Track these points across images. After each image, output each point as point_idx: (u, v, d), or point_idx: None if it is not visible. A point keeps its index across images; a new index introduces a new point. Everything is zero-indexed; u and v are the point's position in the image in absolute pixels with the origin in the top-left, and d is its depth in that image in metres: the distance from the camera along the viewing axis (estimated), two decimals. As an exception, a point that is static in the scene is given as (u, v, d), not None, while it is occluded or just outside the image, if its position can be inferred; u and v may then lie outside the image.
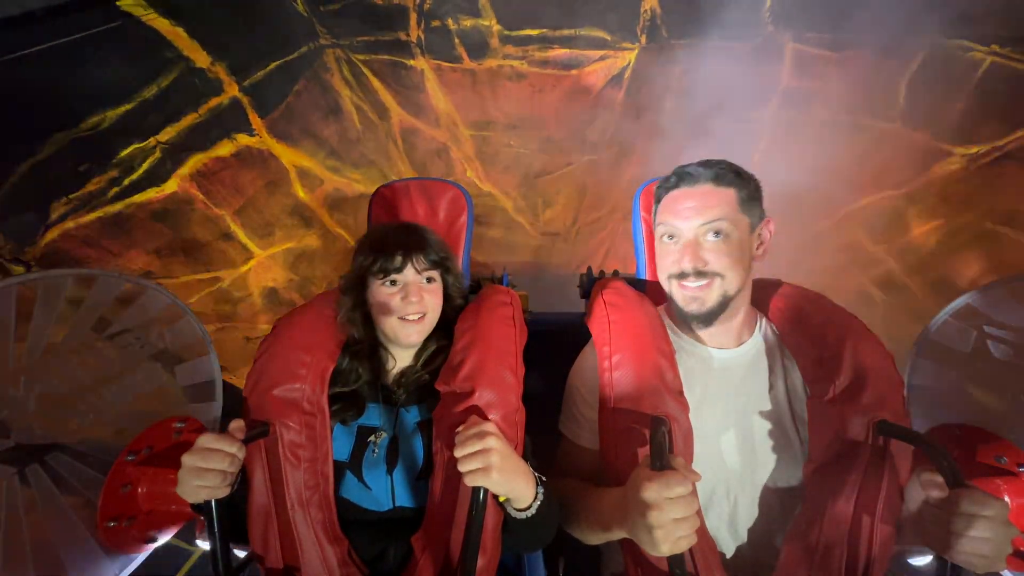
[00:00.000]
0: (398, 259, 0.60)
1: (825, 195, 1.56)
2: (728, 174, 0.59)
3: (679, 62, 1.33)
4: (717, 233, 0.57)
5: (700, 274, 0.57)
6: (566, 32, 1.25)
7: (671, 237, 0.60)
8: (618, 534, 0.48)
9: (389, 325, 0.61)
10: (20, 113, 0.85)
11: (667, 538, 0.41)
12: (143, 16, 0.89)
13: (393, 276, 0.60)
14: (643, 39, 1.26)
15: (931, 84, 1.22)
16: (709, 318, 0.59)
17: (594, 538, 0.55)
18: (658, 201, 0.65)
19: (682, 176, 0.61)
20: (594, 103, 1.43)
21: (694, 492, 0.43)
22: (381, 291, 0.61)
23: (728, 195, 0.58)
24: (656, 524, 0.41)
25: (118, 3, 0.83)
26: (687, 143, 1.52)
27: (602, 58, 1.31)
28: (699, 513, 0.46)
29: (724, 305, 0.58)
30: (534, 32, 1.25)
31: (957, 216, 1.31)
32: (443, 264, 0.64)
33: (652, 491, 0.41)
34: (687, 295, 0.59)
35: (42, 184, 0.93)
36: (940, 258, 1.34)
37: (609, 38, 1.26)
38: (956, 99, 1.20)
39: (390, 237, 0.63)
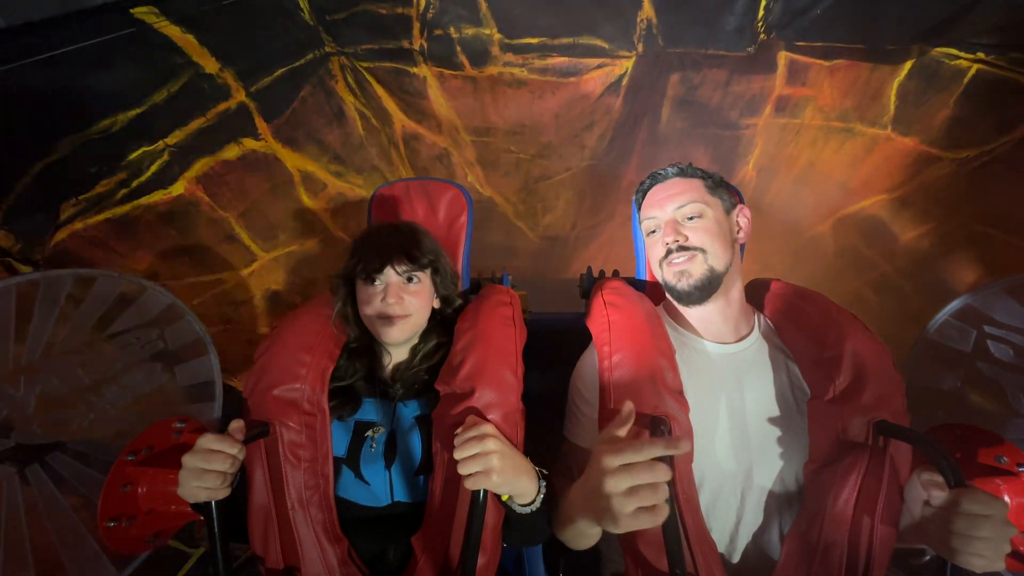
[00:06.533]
0: (378, 260, 0.61)
1: (819, 200, 1.59)
2: (692, 168, 0.67)
3: (675, 70, 1.36)
4: (693, 215, 0.63)
5: (683, 248, 0.62)
6: (565, 41, 1.27)
7: (654, 231, 0.66)
8: (581, 515, 0.46)
9: (371, 324, 0.63)
10: (36, 115, 0.86)
11: (621, 509, 0.39)
12: (156, 23, 0.91)
13: (374, 276, 0.61)
14: (640, 48, 1.29)
15: (920, 91, 1.24)
16: (700, 293, 0.62)
17: (569, 534, 0.54)
18: (639, 207, 0.71)
19: (654, 176, 0.69)
20: (592, 110, 1.46)
21: (662, 467, 0.40)
22: (363, 291, 0.63)
23: (695, 183, 0.66)
24: (611, 491, 0.40)
25: (132, 11, 0.86)
26: (684, 149, 1.55)
27: (600, 66, 1.34)
28: (691, 501, 0.46)
29: (713, 281, 0.62)
30: (534, 41, 1.27)
31: (948, 219, 1.33)
32: (430, 265, 0.65)
33: (607, 458, 0.41)
34: (675, 271, 0.63)
35: (53, 185, 0.94)
36: (933, 260, 1.37)
37: (607, 47, 1.29)
38: (944, 105, 1.22)
39: (375, 238, 0.65)
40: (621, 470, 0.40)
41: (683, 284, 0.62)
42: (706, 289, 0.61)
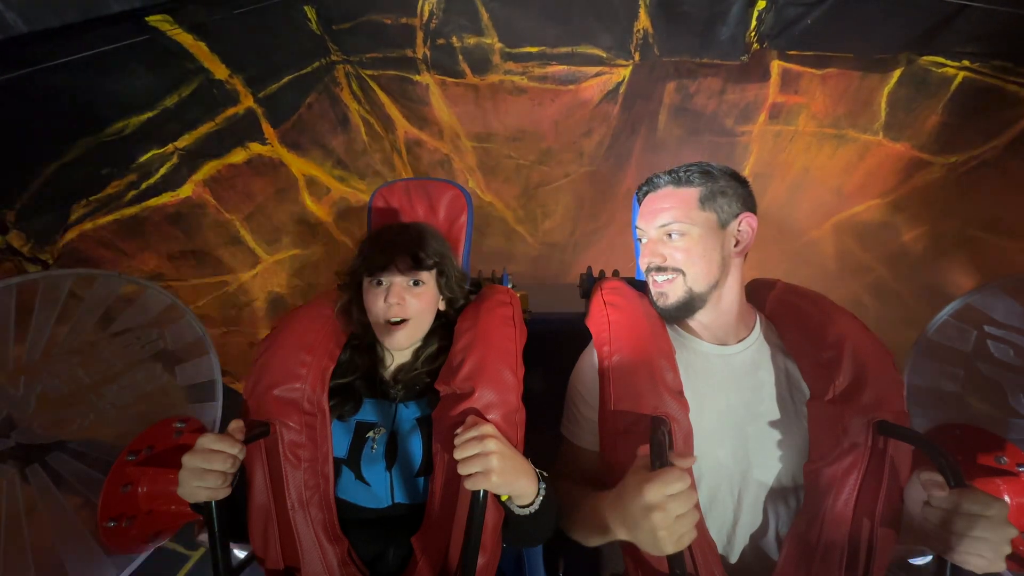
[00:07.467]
0: (382, 260, 0.62)
1: (814, 205, 1.62)
2: (689, 175, 0.63)
3: (671, 78, 1.40)
4: (673, 233, 0.61)
5: (661, 269, 0.62)
6: (564, 50, 1.31)
7: (643, 240, 0.66)
8: (620, 536, 0.48)
9: (375, 326, 0.63)
10: (51, 118, 0.88)
11: (671, 537, 0.41)
12: (169, 31, 0.95)
13: (378, 276, 0.62)
14: (636, 56, 1.33)
15: (909, 98, 1.28)
16: (678, 313, 0.62)
17: (595, 541, 0.55)
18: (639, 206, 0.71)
19: (649, 182, 0.67)
20: (591, 117, 1.49)
21: (692, 485, 0.44)
22: (369, 291, 0.63)
23: (686, 194, 0.62)
24: (660, 525, 0.41)
25: (147, 19, 0.89)
26: (681, 155, 1.58)
27: (598, 74, 1.38)
28: (698, 506, 0.47)
29: (691, 301, 0.61)
30: (534, 50, 1.32)
31: (940, 222, 1.36)
32: (435, 267, 0.65)
33: (653, 491, 0.42)
34: (655, 290, 0.64)
35: (65, 186, 0.96)
36: (927, 263, 1.39)
37: (604, 55, 1.34)
38: (933, 112, 1.26)
39: (383, 238, 0.65)
40: (668, 501, 0.41)
41: (661, 303, 0.63)
42: (684, 309, 0.61)
